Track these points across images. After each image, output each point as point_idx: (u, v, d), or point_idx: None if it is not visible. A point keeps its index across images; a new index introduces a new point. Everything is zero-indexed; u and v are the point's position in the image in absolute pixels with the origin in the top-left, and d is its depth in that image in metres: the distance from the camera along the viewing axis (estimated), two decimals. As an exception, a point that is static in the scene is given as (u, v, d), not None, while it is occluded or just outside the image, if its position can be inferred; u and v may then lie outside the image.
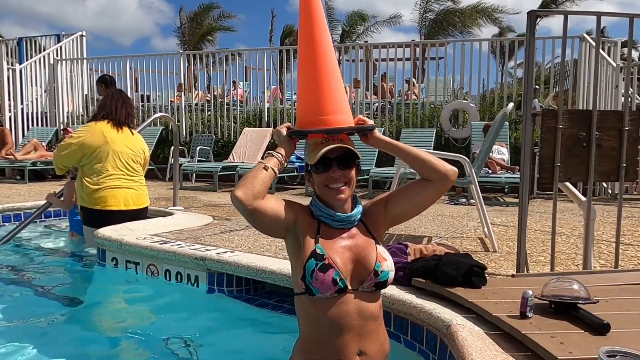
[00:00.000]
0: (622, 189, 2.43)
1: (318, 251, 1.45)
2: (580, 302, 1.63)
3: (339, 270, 1.45)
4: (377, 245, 1.53)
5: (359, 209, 1.55)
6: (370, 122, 1.58)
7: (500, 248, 3.14)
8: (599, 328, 1.49)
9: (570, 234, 3.69)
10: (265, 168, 1.46)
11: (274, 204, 1.46)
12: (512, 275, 2.26)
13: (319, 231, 1.49)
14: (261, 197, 1.42)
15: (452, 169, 1.55)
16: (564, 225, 3.99)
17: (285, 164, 1.54)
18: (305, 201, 1.60)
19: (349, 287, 1.47)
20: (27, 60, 10.42)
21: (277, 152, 1.52)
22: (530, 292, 1.62)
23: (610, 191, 6.56)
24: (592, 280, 2.05)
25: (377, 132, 1.58)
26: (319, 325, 1.48)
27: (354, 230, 1.53)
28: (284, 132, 1.54)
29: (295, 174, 7.67)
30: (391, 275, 1.53)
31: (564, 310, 1.64)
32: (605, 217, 4.47)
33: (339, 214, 1.50)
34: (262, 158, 1.53)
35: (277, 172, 1.49)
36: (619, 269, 2.41)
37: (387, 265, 1.52)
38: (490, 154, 5.55)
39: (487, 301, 1.79)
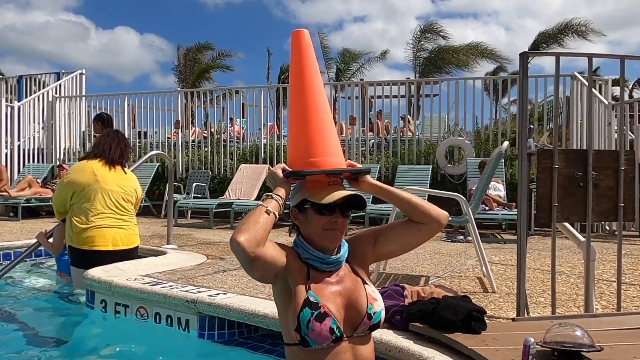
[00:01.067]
0: (620, 229, 2.40)
1: (312, 299, 1.39)
2: (584, 349, 1.57)
3: (335, 318, 1.39)
4: (365, 285, 1.48)
5: (345, 248, 1.52)
6: (360, 166, 1.57)
7: (499, 288, 3.07)
8: (605, 379, 1.43)
9: (570, 273, 3.63)
10: (268, 212, 1.37)
11: (273, 251, 1.39)
12: (513, 319, 2.19)
13: (309, 276, 1.44)
14: (263, 244, 1.33)
15: (444, 214, 1.53)
16: (563, 264, 3.93)
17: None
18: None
19: (344, 335, 1.41)
20: (26, 97, 10.51)
21: (277, 195, 1.44)
22: (532, 340, 1.55)
23: (607, 228, 6.51)
24: (595, 324, 1.99)
25: (369, 177, 1.57)
26: None
27: (341, 272, 1.49)
28: (280, 173, 1.49)
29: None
30: (383, 314, 1.48)
31: (567, 358, 1.58)
32: (604, 254, 4.41)
33: (329, 256, 1.46)
34: (261, 200, 1.45)
35: (278, 215, 1.40)
36: (622, 311, 2.35)
37: (378, 305, 1.47)
38: (487, 190, 5.54)
39: (487, 348, 1.72)
